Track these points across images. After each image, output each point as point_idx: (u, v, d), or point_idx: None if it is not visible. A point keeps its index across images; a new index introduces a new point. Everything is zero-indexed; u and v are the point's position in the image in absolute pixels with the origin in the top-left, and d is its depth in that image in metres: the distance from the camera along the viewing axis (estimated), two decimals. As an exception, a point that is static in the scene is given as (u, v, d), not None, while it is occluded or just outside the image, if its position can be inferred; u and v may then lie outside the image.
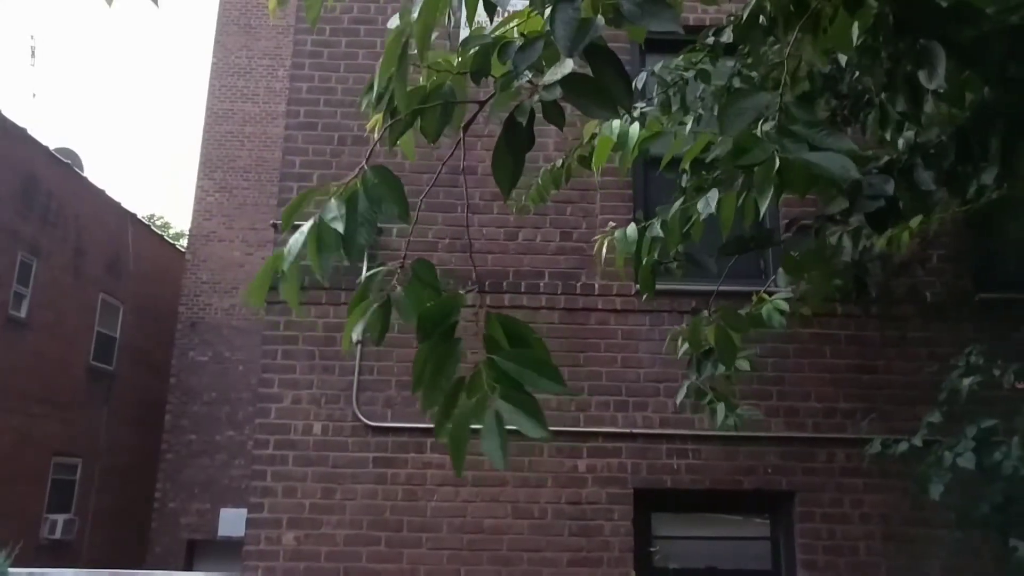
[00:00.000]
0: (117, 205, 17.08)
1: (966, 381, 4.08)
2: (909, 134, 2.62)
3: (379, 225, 1.74)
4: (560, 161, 4.17)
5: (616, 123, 3.09)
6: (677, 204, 3.01)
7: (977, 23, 1.95)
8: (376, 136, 2.02)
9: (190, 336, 14.81)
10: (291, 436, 5.27)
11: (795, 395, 5.41)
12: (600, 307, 5.55)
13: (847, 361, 5.49)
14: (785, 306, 3.44)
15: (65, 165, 15.53)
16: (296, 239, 1.71)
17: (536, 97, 1.71)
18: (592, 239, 5.65)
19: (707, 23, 5.77)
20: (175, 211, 52.94)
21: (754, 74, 3.38)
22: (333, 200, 1.70)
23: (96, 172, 50.03)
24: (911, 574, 5.07)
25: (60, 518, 14.12)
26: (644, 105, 3.60)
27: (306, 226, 1.71)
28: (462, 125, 1.94)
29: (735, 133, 1.68)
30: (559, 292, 5.57)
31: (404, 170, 5.65)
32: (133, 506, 15.72)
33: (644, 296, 3.39)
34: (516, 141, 1.74)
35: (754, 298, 3.71)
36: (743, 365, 3.54)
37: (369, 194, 1.72)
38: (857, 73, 3.04)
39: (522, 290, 5.55)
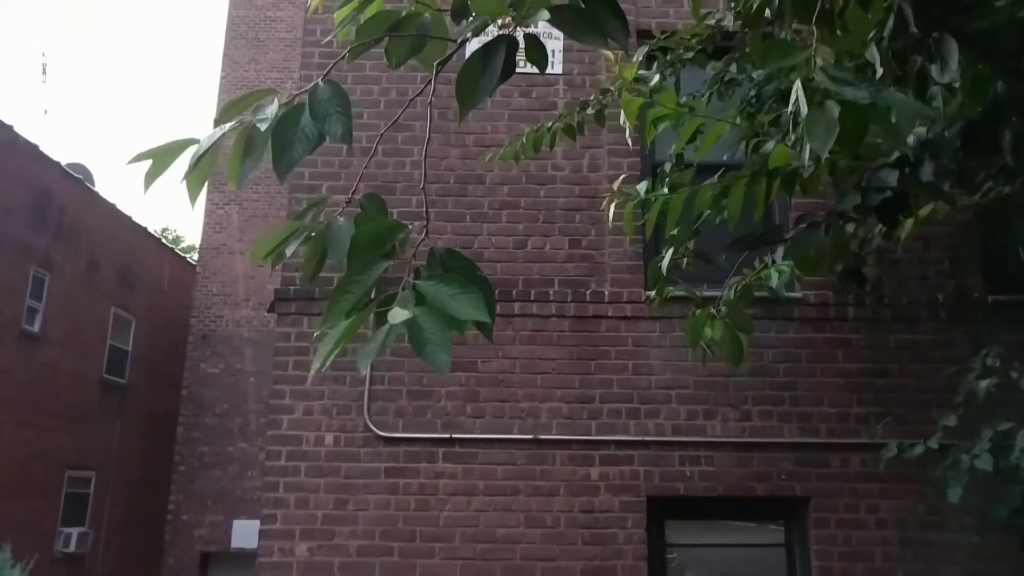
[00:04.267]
0: (129, 219, 17.21)
1: (983, 383, 4.05)
2: (920, 129, 2.60)
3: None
4: (549, 124, 4.13)
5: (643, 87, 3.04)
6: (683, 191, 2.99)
7: (990, 16, 1.93)
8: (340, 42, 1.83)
9: (202, 348, 14.87)
10: (303, 447, 5.27)
11: (808, 400, 5.38)
12: (610, 314, 5.53)
13: (860, 365, 5.45)
14: (787, 269, 3.41)
15: (77, 180, 15.67)
16: (218, 131, 1.52)
17: (518, 29, 1.60)
18: (601, 248, 5.67)
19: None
20: (186, 224, 53.24)
21: (757, 73, 3.37)
22: (271, 104, 1.54)
23: (107, 187, 50.39)
24: (929, 580, 5.02)
25: (74, 531, 14.17)
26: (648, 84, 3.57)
27: (232, 123, 1.53)
28: (437, 62, 1.79)
29: (771, 68, 1.61)
30: (569, 300, 5.56)
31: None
32: (147, 518, 15.76)
33: (655, 301, 3.37)
34: (491, 61, 1.59)
35: (756, 264, 3.68)
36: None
37: (315, 109, 1.55)
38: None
39: (532, 298, 5.54)
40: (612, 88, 3.66)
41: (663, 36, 3.99)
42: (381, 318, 1.37)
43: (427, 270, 1.44)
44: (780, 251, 3.54)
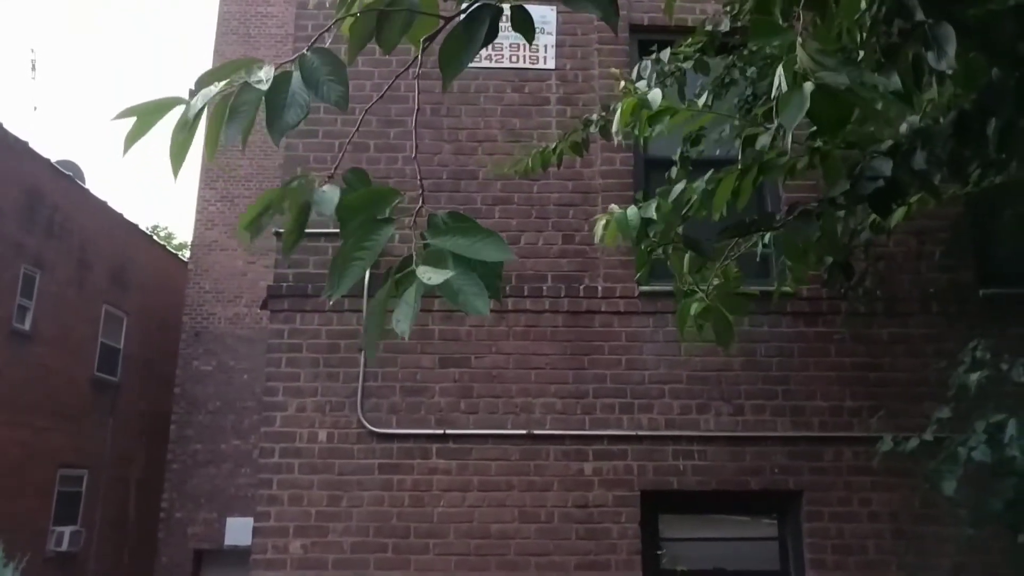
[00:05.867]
0: (120, 217, 17.12)
1: (974, 376, 4.06)
2: (913, 118, 2.60)
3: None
4: (554, 144, 4.16)
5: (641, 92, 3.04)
6: (678, 187, 2.99)
7: (984, 2, 1.92)
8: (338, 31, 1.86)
9: (194, 346, 14.82)
10: (296, 444, 5.26)
11: (801, 394, 5.39)
12: (604, 309, 5.54)
13: (852, 359, 5.47)
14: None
15: (67, 177, 15.58)
16: (209, 90, 1.47)
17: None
18: (594, 243, 5.67)
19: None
20: (178, 222, 53.02)
21: (750, 70, 3.38)
22: (265, 67, 1.51)
23: (98, 184, 50.13)
24: (922, 572, 5.04)
25: (67, 530, 14.12)
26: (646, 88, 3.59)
27: (221, 84, 1.49)
28: (423, 38, 1.77)
29: (759, 44, 1.62)
30: (562, 295, 5.56)
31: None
32: (140, 516, 15.72)
33: (638, 277, 3.36)
34: (475, 27, 1.58)
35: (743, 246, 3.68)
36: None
37: (307, 75, 1.52)
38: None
39: (525, 294, 5.54)
40: (614, 105, 3.68)
41: (661, 50, 3.98)
42: (405, 281, 1.33)
43: (431, 232, 1.42)
44: (769, 240, 3.54)
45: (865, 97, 1.57)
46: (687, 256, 3.07)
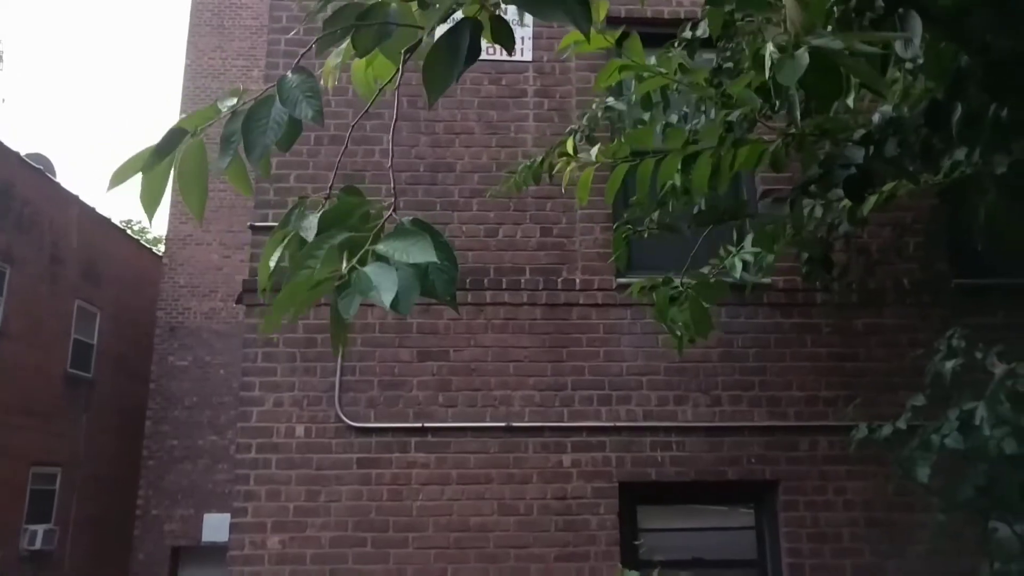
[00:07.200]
0: (92, 210, 16.87)
1: (949, 364, 4.11)
2: (885, 108, 2.62)
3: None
4: (539, 158, 4.17)
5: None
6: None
7: None
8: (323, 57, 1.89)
9: (169, 341, 14.65)
10: (274, 439, 5.22)
11: (777, 385, 5.44)
12: (582, 302, 5.54)
13: (828, 349, 5.52)
14: (750, 257, 3.45)
15: (37, 171, 15.31)
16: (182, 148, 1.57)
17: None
18: (572, 235, 5.67)
19: (682, 16, 5.80)
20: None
21: (731, 65, 3.39)
22: (238, 99, 1.61)
23: (69, 178, 49.43)
24: (894, 559, 5.12)
25: (40, 528, 13.93)
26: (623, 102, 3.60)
27: (186, 138, 1.59)
28: (403, 50, 1.81)
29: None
30: (540, 288, 5.56)
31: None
32: (116, 514, 15.54)
33: (614, 259, 3.38)
34: (456, 44, 1.61)
35: (721, 251, 3.70)
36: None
37: (284, 96, 1.60)
38: None
39: (503, 287, 5.53)
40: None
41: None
42: (345, 282, 1.43)
43: (383, 237, 1.50)
44: (748, 238, 3.56)
45: (858, 64, 1.57)
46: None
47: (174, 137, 1.60)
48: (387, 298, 1.38)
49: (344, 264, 1.47)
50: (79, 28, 60.20)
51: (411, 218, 1.54)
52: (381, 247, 1.46)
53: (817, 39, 1.58)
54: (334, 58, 1.91)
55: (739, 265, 3.57)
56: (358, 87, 1.98)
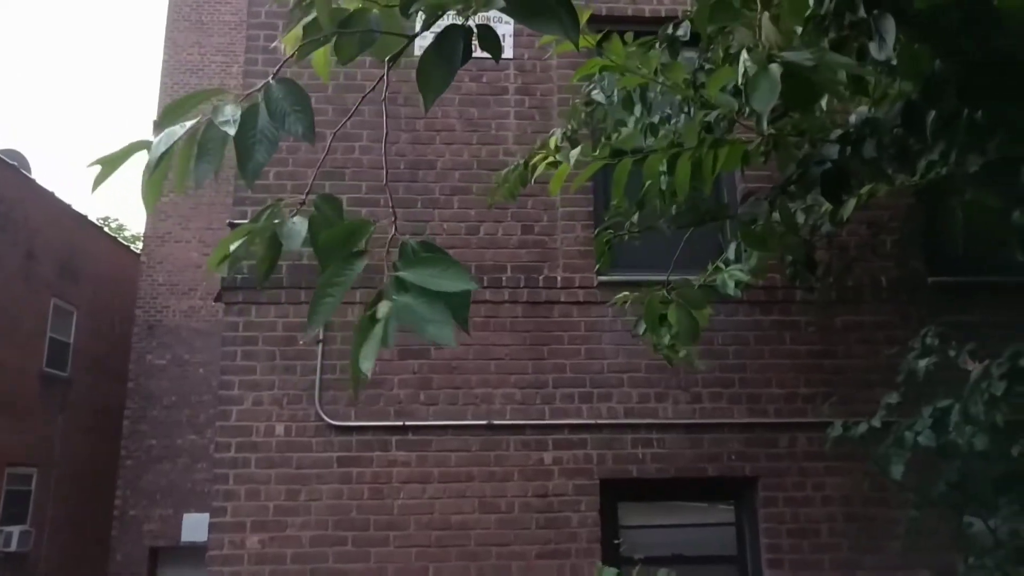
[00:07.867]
0: (68, 207, 16.66)
1: (922, 362, 4.16)
2: (862, 109, 2.65)
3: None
4: (523, 161, 4.18)
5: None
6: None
7: None
8: (290, 51, 1.82)
9: (148, 339, 14.51)
10: (253, 438, 5.18)
11: (757, 382, 5.48)
12: (563, 300, 5.55)
13: (807, 347, 5.57)
14: (741, 276, 3.48)
15: (12, 167, 15.10)
16: (174, 130, 1.48)
17: (472, 11, 1.61)
18: (553, 233, 5.68)
19: (662, 15, 5.82)
20: (129, 213, 51.86)
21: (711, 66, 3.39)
22: (229, 105, 1.51)
23: (45, 174, 48.75)
24: (872, 553, 5.17)
25: (15, 529, 13.76)
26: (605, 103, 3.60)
27: (189, 123, 1.49)
28: (388, 57, 1.79)
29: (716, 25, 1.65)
30: (522, 285, 5.56)
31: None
32: (93, 515, 15.38)
33: (598, 267, 3.40)
34: (448, 49, 1.60)
35: (709, 266, 3.73)
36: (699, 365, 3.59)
37: (272, 108, 1.53)
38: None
39: (485, 285, 5.53)
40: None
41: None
42: (373, 316, 1.37)
43: (402, 263, 1.44)
44: (732, 247, 3.59)
45: (830, 77, 1.61)
46: None
47: (170, 135, 1.54)
48: (444, 332, 1.31)
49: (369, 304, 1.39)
50: (55, 23, 59.40)
51: (419, 240, 1.49)
52: (408, 275, 1.39)
53: (790, 54, 1.61)
54: (298, 28, 1.87)
55: (731, 284, 3.60)
56: (317, 69, 1.94)
